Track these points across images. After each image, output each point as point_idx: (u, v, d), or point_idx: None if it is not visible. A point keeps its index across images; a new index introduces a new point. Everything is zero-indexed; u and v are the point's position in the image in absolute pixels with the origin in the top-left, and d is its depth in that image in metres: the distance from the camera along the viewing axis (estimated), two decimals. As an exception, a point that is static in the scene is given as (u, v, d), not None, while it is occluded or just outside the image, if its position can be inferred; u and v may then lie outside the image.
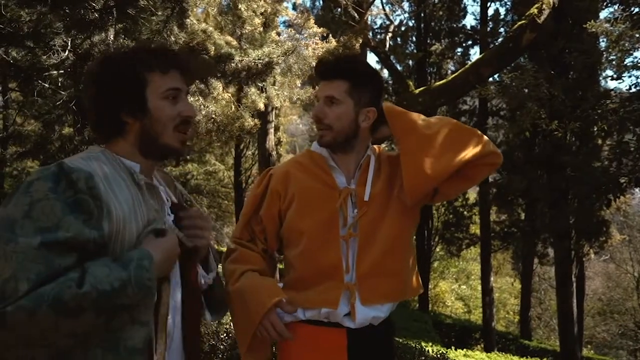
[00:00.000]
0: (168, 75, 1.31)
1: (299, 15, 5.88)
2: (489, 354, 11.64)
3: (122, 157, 1.29)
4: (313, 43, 5.48)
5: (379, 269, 1.67)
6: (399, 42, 14.70)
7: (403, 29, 14.68)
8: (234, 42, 5.66)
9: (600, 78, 12.51)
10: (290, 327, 1.67)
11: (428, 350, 4.13)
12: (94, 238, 1.11)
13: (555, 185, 13.14)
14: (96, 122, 1.32)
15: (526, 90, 8.39)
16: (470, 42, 16.19)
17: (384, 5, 13.11)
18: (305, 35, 5.48)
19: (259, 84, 5.31)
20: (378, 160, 1.79)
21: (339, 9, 11.25)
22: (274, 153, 14.14)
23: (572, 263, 14.17)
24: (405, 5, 15.80)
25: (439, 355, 4.15)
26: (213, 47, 4.76)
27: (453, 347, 10.60)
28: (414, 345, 4.10)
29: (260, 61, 4.68)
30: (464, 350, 11.16)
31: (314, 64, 5.88)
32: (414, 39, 17.31)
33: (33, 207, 1.07)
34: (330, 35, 6.08)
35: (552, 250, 15.24)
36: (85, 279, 1.05)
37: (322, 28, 5.97)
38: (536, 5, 8.66)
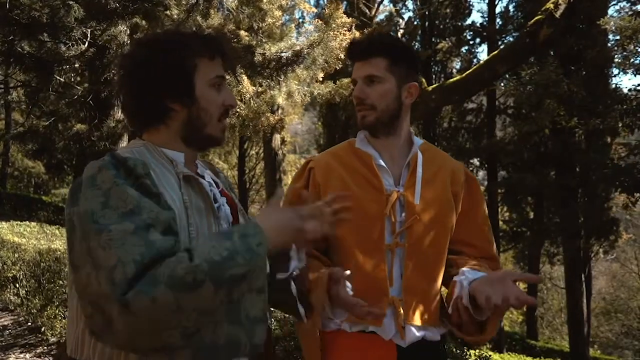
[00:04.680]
0: (214, 62, 1.27)
1: (327, 4, 5.71)
2: (501, 354, 11.54)
3: (164, 148, 1.24)
4: (341, 34, 5.29)
5: (425, 289, 1.56)
6: (406, 40, 14.59)
7: (410, 27, 14.57)
8: (249, 36, 5.50)
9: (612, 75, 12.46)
10: (335, 336, 1.55)
11: (469, 354, 3.96)
12: (173, 217, 1.10)
13: (564, 184, 13.04)
14: (137, 108, 1.26)
15: (532, 87, 8.26)
16: (477, 40, 16.08)
17: (393, 3, 12.98)
18: (334, 25, 5.29)
19: (279, 78, 5.13)
20: (428, 158, 1.65)
21: (345, 2, 11.10)
22: (279, 152, 14.00)
23: (582, 263, 14.08)
24: (410, 3, 15.66)
25: (480, 358, 3.98)
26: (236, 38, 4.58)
27: (465, 348, 10.48)
28: (454, 349, 3.94)
29: (285, 53, 4.50)
30: (475, 350, 10.98)
31: (342, 55, 5.68)
32: (418, 37, 17.19)
33: (108, 197, 1.04)
34: (354, 27, 5.91)
35: (561, 249, 15.15)
36: (194, 254, 1.02)
37: (350, 18, 5.78)
38: (552, 0, 8.52)
